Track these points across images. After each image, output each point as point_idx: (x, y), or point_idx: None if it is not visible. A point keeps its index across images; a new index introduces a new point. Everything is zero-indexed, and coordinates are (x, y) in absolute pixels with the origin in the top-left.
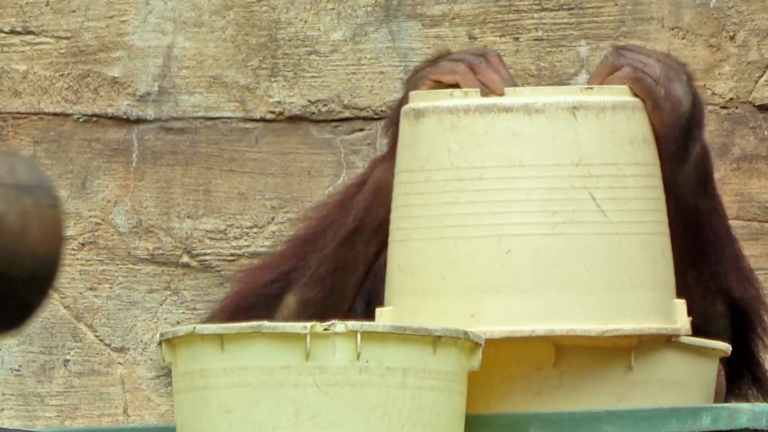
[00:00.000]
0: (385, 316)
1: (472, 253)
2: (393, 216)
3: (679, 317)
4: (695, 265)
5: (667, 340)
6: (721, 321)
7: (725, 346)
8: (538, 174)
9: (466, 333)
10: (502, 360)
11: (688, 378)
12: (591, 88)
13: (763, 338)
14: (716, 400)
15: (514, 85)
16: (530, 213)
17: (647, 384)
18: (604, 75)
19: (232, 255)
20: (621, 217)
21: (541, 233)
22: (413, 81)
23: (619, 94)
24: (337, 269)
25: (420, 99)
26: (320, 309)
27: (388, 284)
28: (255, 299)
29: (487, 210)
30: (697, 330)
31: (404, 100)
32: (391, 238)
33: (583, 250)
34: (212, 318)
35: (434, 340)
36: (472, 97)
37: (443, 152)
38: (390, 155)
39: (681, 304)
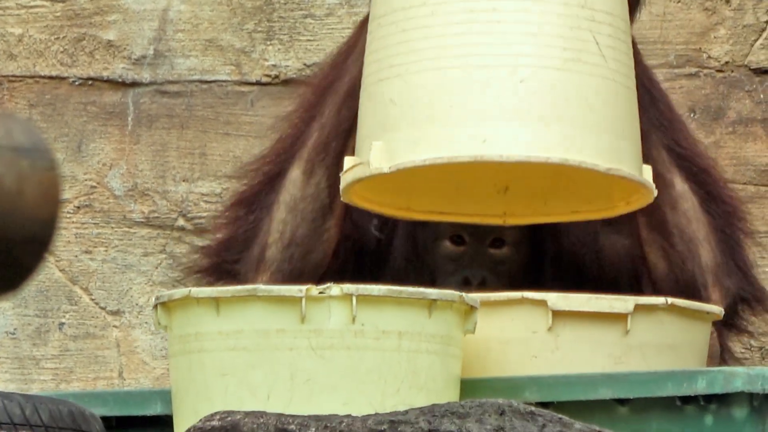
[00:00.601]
0: (377, 152)
1: (484, 82)
2: (381, 55)
3: (646, 174)
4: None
5: (664, 305)
6: (687, 201)
7: (719, 310)
8: (549, 9)
9: (461, 296)
10: (498, 323)
11: (682, 341)
12: None
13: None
14: (711, 362)
15: None
16: (543, 46)
17: (643, 348)
18: None
19: None
20: (616, 66)
21: (552, 66)
22: None
23: None
24: (338, 134)
25: None
26: (324, 177)
27: (374, 121)
28: (261, 181)
29: (501, 41)
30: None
31: None
32: (376, 77)
33: (590, 90)
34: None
35: (430, 303)
36: None
37: None
38: None
39: (648, 169)
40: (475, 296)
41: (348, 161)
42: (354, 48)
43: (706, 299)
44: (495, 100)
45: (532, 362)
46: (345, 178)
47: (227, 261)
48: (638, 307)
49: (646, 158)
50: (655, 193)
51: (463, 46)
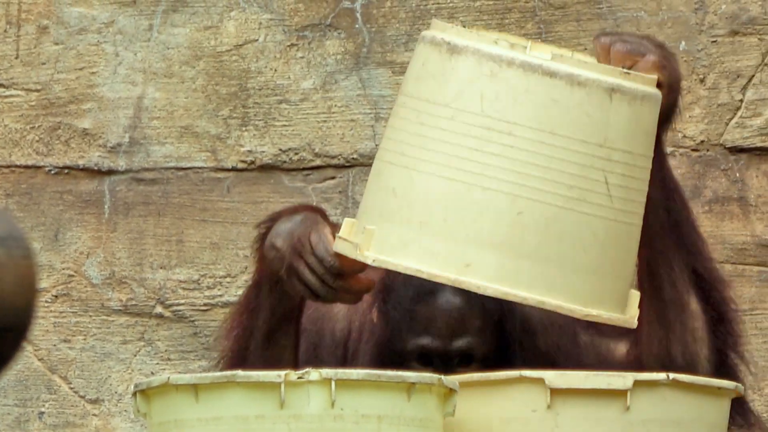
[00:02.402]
0: (368, 238)
1: (483, 205)
2: (397, 136)
3: (631, 308)
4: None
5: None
6: (697, 321)
7: (734, 385)
8: (566, 146)
9: (440, 379)
10: (499, 403)
11: (691, 417)
12: (629, 73)
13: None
14: None
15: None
16: (548, 181)
17: (646, 424)
18: (618, 61)
19: (205, 305)
20: (623, 205)
21: (554, 203)
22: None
23: (649, 84)
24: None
25: (456, 34)
26: None
27: (373, 203)
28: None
29: (509, 167)
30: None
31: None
32: (388, 157)
33: (586, 231)
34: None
35: (409, 386)
36: (518, 51)
37: (476, 96)
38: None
39: (636, 295)
40: (475, 376)
41: (346, 225)
42: None
43: None
44: (489, 226)
45: None
46: (336, 245)
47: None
48: (638, 383)
49: (664, 277)
50: (635, 326)
51: (472, 162)
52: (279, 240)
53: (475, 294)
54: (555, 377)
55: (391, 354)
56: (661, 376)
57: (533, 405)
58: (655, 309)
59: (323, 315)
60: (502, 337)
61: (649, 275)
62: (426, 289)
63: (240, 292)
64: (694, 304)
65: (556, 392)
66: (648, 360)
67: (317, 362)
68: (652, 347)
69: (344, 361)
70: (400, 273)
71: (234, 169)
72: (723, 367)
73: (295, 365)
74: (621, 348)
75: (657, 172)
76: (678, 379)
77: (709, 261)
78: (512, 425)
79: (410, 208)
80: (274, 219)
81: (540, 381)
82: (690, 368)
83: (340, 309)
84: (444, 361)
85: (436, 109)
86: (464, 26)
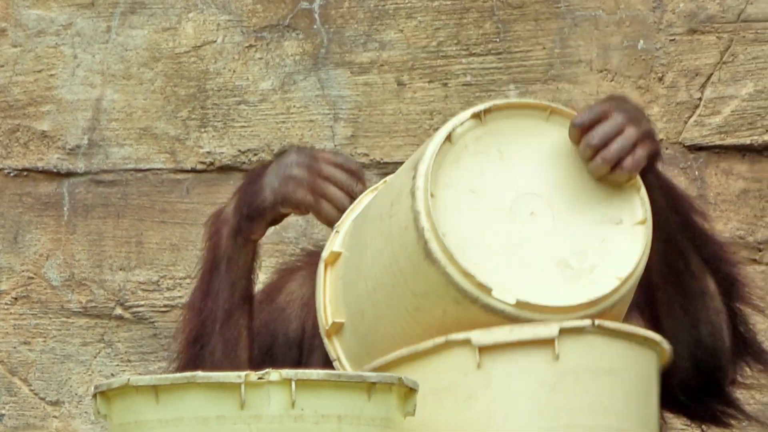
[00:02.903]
0: (334, 344)
1: None
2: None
3: None
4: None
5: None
6: (716, 299)
7: (657, 337)
8: None
9: (400, 379)
10: (429, 373)
11: (621, 366)
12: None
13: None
14: None
15: (361, 181)
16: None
17: (577, 373)
18: (604, 171)
19: (165, 306)
20: None
21: None
22: (257, 212)
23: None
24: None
25: None
26: None
27: (345, 298)
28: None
29: None
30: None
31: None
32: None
33: None
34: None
35: (369, 386)
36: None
37: None
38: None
39: None
40: (403, 351)
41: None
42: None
43: (728, 380)
44: None
45: (468, 403)
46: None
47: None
48: (564, 331)
49: (684, 271)
50: None
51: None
52: (294, 169)
53: None
54: (481, 335)
55: None
56: (586, 322)
57: (463, 368)
58: (679, 304)
59: (276, 317)
60: None
61: (668, 273)
62: None
63: None
64: (711, 285)
65: (484, 351)
66: (675, 349)
67: (272, 363)
68: (679, 338)
69: (299, 362)
70: None
71: (193, 171)
72: (740, 327)
73: (251, 350)
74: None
75: (656, 183)
76: (603, 325)
77: (719, 246)
78: (444, 394)
79: (362, 328)
80: (255, 173)
81: (467, 342)
82: (716, 343)
83: (293, 310)
84: None
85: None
86: (422, 26)
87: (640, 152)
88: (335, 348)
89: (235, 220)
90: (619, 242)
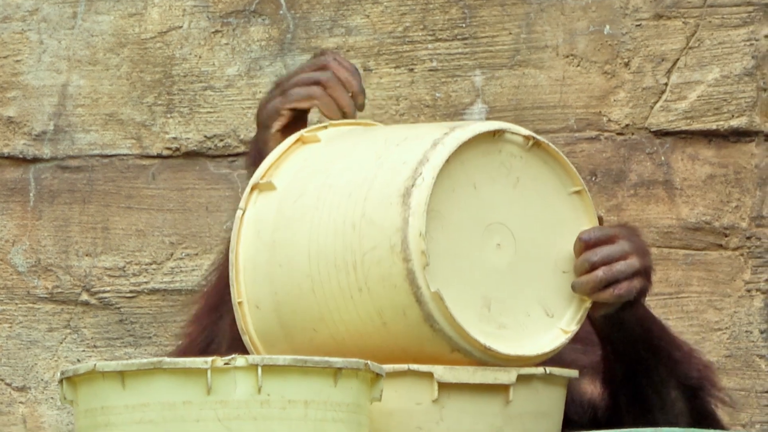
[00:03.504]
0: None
1: None
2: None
3: None
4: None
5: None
6: (677, 404)
7: (575, 373)
8: None
9: (366, 364)
10: (384, 394)
11: (553, 408)
12: None
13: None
14: None
15: (363, 91)
16: None
17: (523, 416)
18: (594, 286)
19: (131, 292)
20: None
21: None
22: (266, 115)
23: None
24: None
25: None
26: None
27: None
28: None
29: None
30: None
31: (259, 138)
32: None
33: None
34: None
35: (335, 372)
36: None
37: None
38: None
39: None
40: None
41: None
42: None
43: None
44: None
45: None
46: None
47: None
48: (520, 378)
49: (656, 404)
50: None
51: None
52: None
53: None
54: (444, 371)
55: None
56: (540, 370)
57: (418, 398)
58: (638, 408)
59: None
60: None
61: (641, 404)
62: None
63: (166, 279)
64: (678, 403)
65: (443, 386)
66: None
67: None
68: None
69: None
70: None
71: (159, 156)
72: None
73: None
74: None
75: (635, 317)
76: (554, 373)
77: (699, 370)
78: (395, 417)
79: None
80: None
81: (429, 375)
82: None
83: None
84: None
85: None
86: (388, 11)
87: (637, 283)
88: (246, 321)
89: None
90: (569, 292)
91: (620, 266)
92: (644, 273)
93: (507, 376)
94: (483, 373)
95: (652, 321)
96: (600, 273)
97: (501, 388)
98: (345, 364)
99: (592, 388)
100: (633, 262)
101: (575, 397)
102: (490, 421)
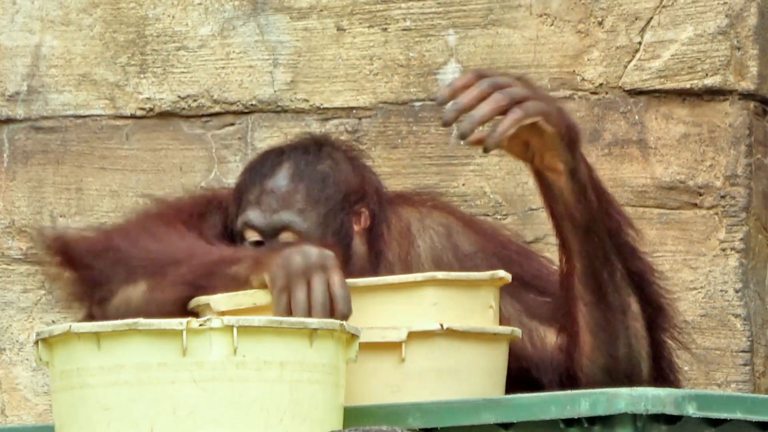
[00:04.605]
0: None
1: None
2: None
3: None
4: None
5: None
6: (638, 321)
7: (509, 330)
8: None
9: (341, 325)
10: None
11: (465, 365)
12: None
13: (674, 332)
14: None
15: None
16: None
17: (422, 374)
18: (511, 125)
19: None
20: None
21: None
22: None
23: None
24: None
25: None
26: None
27: None
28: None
29: None
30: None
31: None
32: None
33: None
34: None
35: (310, 332)
36: None
37: None
38: None
39: None
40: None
41: None
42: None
43: None
44: None
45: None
46: None
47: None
48: (413, 335)
49: (608, 283)
50: None
51: None
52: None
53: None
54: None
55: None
56: (435, 326)
57: None
58: (599, 316)
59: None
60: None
61: (592, 283)
62: (264, 172)
63: None
64: (634, 304)
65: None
66: (591, 368)
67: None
68: (596, 356)
69: None
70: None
71: (133, 117)
72: (662, 360)
73: None
74: (551, 336)
75: (589, 182)
76: (453, 328)
77: (644, 258)
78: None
79: None
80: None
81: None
82: (633, 368)
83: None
84: (269, 239)
85: None
86: None
87: (519, 112)
88: None
89: None
90: None
91: (495, 97)
92: (545, 105)
93: (397, 333)
94: (370, 332)
95: (610, 201)
96: (466, 123)
97: (394, 346)
98: (320, 325)
99: (558, 342)
100: (516, 91)
101: (542, 362)
102: (385, 380)
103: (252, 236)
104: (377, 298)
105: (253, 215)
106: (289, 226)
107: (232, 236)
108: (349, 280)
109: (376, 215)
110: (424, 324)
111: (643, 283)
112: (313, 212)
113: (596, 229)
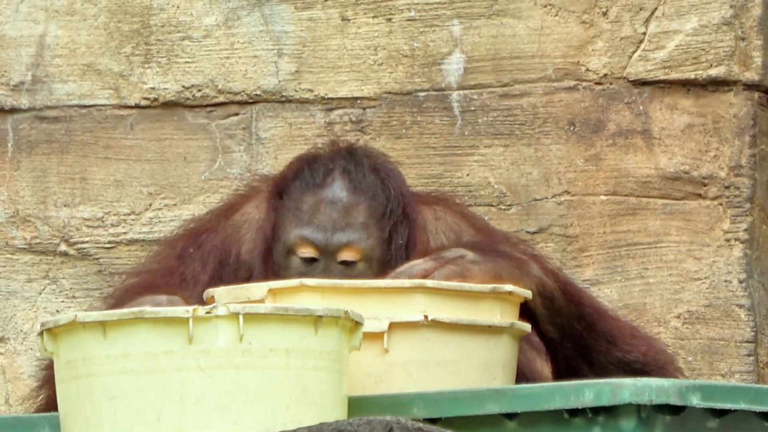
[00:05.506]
0: None
1: None
2: None
3: None
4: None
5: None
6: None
7: (507, 323)
8: None
9: (346, 312)
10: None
11: (457, 357)
12: None
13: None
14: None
15: None
16: None
17: (406, 365)
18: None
19: (110, 242)
20: None
21: None
22: None
23: None
24: None
25: None
26: None
27: None
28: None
29: None
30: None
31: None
32: None
33: None
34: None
35: (316, 320)
36: None
37: None
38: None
39: None
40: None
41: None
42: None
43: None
44: None
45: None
46: None
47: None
48: (396, 325)
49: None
50: None
51: None
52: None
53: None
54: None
55: (276, 245)
56: (419, 317)
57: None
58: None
59: (230, 234)
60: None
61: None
62: (316, 182)
63: (145, 229)
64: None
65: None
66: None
67: (220, 281)
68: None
69: (248, 281)
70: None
71: (137, 107)
72: None
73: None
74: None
75: (565, 291)
76: (438, 320)
77: (631, 342)
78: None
79: None
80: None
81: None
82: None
83: (248, 231)
84: (326, 256)
85: None
86: None
87: (468, 262)
88: None
89: None
90: None
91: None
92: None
93: (377, 324)
94: None
95: (580, 297)
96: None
97: (376, 336)
98: (325, 312)
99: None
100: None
101: (532, 378)
102: (367, 371)
103: (307, 252)
104: (365, 301)
105: (310, 231)
106: (352, 244)
107: (269, 245)
108: (336, 282)
109: (412, 219)
110: (407, 315)
111: (633, 364)
112: (376, 227)
113: (572, 331)
